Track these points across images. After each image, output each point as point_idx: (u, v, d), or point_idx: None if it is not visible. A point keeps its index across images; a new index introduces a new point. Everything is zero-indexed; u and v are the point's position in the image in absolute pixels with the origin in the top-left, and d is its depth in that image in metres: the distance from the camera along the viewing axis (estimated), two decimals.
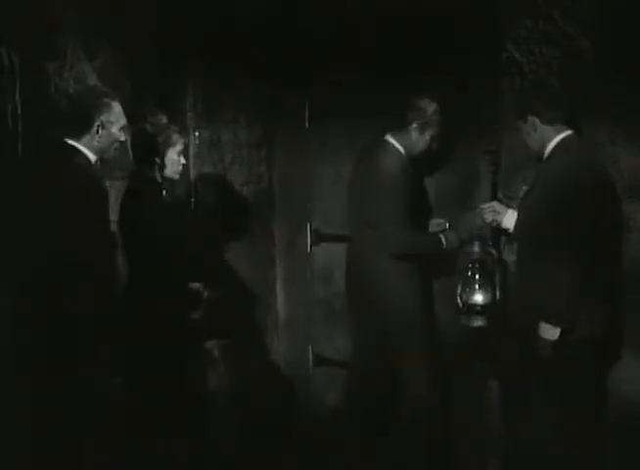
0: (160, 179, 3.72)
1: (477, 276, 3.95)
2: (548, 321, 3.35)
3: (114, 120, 3.30)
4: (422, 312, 4.02)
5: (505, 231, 3.79)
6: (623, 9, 3.56)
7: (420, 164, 4.16)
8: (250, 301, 4.85)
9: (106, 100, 3.29)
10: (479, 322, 3.92)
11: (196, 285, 3.85)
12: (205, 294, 3.86)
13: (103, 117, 3.27)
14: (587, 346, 3.37)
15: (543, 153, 3.52)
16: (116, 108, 3.32)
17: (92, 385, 3.19)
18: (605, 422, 3.56)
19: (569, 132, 3.48)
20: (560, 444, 3.39)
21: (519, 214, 3.64)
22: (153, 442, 3.56)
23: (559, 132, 3.48)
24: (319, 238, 4.87)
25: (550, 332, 3.34)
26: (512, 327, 3.71)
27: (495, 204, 3.79)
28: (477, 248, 3.96)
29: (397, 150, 4.04)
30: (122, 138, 3.38)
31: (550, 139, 3.48)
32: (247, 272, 4.83)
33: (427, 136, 4.04)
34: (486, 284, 3.93)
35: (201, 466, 3.88)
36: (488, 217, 3.78)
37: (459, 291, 3.96)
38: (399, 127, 4.05)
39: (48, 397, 3.16)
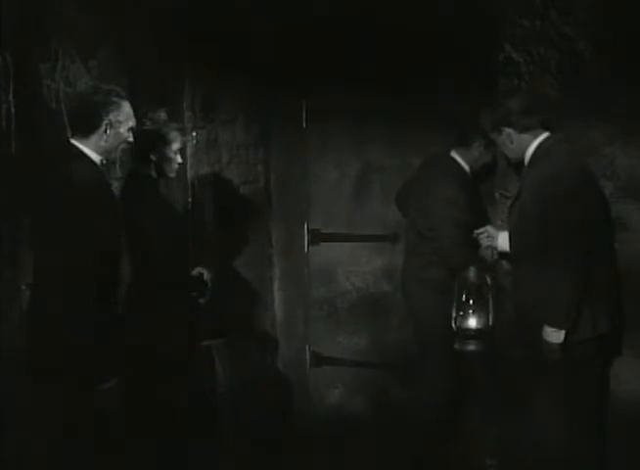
0: (155, 176, 3.69)
1: (471, 301, 3.96)
2: (551, 324, 3.35)
3: (123, 120, 3.23)
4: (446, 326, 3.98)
5: (501, 254, 3.78)
6: (621, 9, 3.58)
7: (480, 178, 4.22)
8: (247, 300, 4.86)
9: (115, 99, 3.22)
10: (472, 347, 3.94)
11: (199, 269, 3.85)
12: (209, 278, 3.85)
13: (112, 116, 3.20)
14: (591, 345, 3.38)
15: (524, 159, 3.51)
16: (126, 108, 3.25)
17: (90, 386, 3.16)
18: (606, 421, 3.57)
19: (546, 134, 3.47)
20: (561, 443, 3.40)
21: (509, 222, 3.65)
22: (152, 442, 3.57)
23: (536, 136, 3.46)
24: (319, 238, 4.87)
25: (555, 335, 3.34)
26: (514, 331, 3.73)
27: (489, 228, 3.77)
28: (471, 273, 3.97)
29: (461, 167, 4.12)
30: (130, 139, 3.31)
31: (528, 145, 3.46)
32: (244, 272, 4.83)
33: (490, 153, 4.08)
34: (480, 309, 3.94)
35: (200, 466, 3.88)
36: (484, 242, 3.79)
37: (453, 315, 3.97)
38: (464, 144, 4.11)
39: (48, 398, 3.16)
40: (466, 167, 4.15)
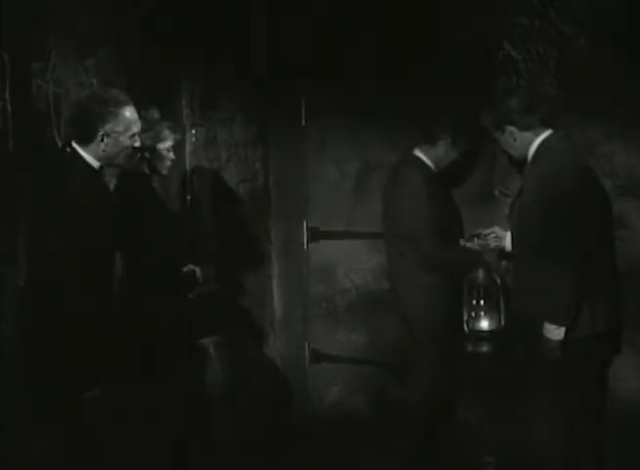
0: (148, 173, 3.74)
1: (482, 303, 3.97)
2: (552, 321, 3.36)
3: (122, 130, 3.16)
4: (441, 327, 4.02)
5: (508, 254, 3.78)
6: (620, 6, 3.59)
7: (447, 176, 4.15)
8: (246, 298, 4.86)
9: (113, 109, 3.14)
10: (485, 348, 3.96)
11: (190, 267, 3.88)
12: (200, 275, 3.88)
13: (108, 128, 3.13)
14: (591, 343, 3.39)
15: (527, 156, 3.52)
16: (126, 115, 3.17)
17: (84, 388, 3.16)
18: (606, 421, 3.59)
19: (549, 132, 3.48)
20: (561, 442, 3.42)
21: (510, 220, 3.65)
22: (151, 441, 3.58)
23: (539, 134, 3.47)
24: (318, 236, 4.87)
25: (556, 332, 3.36)
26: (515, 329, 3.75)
27: (496, 229, 3.75)
28: (480, 274, 3.98)
29: (426, 165, 4.04)
30: (136, 144, 3.26)
31: (531, 142, 3.48)
32: (243, 270, 4.83)
33: (456, 150, 4.04)
34: (491, 310, 3.96)
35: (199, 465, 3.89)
36: (491, 243, 3.77)
37: (465, 318, 3.98)
38: (429, 141, 4.03)
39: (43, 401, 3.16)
40: (431, 165, 4.04)
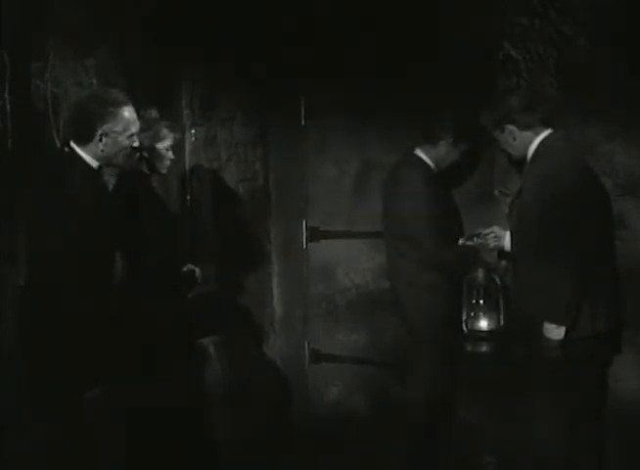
0: (147, 173, 3.74)
1: (481, 302, 3.98)
2: (552, 321, 3.37)
3: (121, 130, 3.16)
4: (441, 327, 4.02)
5: (507, 254, 3.78)
6: (620, 6, 3.60)
7: (447, 176, 4.15)
8: (246, 298, 4.86)
9: (112, 109, 3.14)
10: (484, 348, 3.96)
11: (189, 266, 3.89)
12: (200, 275, 3.89)
13: (106, 127, 3.13)
14: (591, 343, 3.39)
15: (526, 156, 3.52)
16: (125, 115, 3.16)
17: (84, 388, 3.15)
18: (606, 421, 3.59)
19: (548, 132, 3.48)
20: (561, 442, 3.42)
21: (509, 220, 3.66)
22: (151, 442, 3.57)
23: (538, 134, 3.48)
24: (318, 235, 4.87)
25: (556, 331, 3.36)
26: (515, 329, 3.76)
27: (495, 228, 3.73)
28: (480, 274, 3.98)
29: (427, 165, 4.04)
30: (135, 144, 3.25)
31: (531, 142, 3.48)
32: (243, 270, 4.83)
33: (457, 150, 4.04)
34: (491, 310, 3.97)
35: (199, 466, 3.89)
36: (491, 243, 3.76)
37: (464, 317, 3.98)
38: (430, 141, 4.03)
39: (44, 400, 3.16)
40: (431, 165, 4.05)
